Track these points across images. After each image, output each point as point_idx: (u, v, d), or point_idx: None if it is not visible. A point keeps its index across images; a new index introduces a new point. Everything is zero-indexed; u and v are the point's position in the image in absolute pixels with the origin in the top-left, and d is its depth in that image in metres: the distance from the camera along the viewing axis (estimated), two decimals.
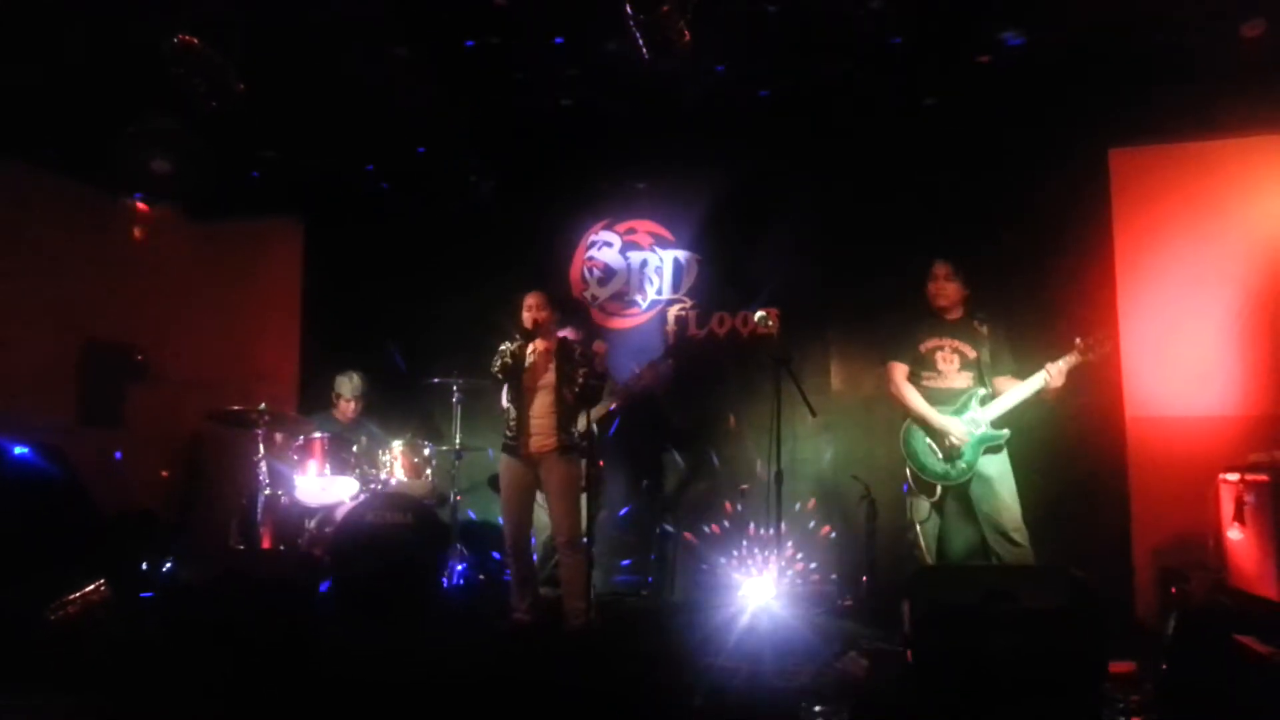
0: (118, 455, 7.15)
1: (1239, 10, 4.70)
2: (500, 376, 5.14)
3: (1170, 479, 5.53)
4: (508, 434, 5.16)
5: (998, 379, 5.04)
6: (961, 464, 4.88)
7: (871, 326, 6.19)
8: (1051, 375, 4.76)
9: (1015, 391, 4.87)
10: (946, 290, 5.05)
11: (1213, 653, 3.41)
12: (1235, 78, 5.16)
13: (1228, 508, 4.78)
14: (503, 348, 5.12)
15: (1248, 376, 5.66)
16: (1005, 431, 4.90)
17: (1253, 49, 4.86)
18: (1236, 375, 5.68)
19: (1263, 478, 4.51)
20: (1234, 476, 4.75)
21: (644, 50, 4.71)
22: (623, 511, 6.55)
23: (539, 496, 5.36)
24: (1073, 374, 4.81)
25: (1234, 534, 4.71)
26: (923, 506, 4.98)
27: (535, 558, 5.63)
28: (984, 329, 5.08)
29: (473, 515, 6.77)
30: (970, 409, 4.93)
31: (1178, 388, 5.74)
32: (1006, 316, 5.27)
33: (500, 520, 6.68)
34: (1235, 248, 5.76)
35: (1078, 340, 4.79)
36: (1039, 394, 4.83)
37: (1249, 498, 4.57)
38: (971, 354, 5.04)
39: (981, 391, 4.98)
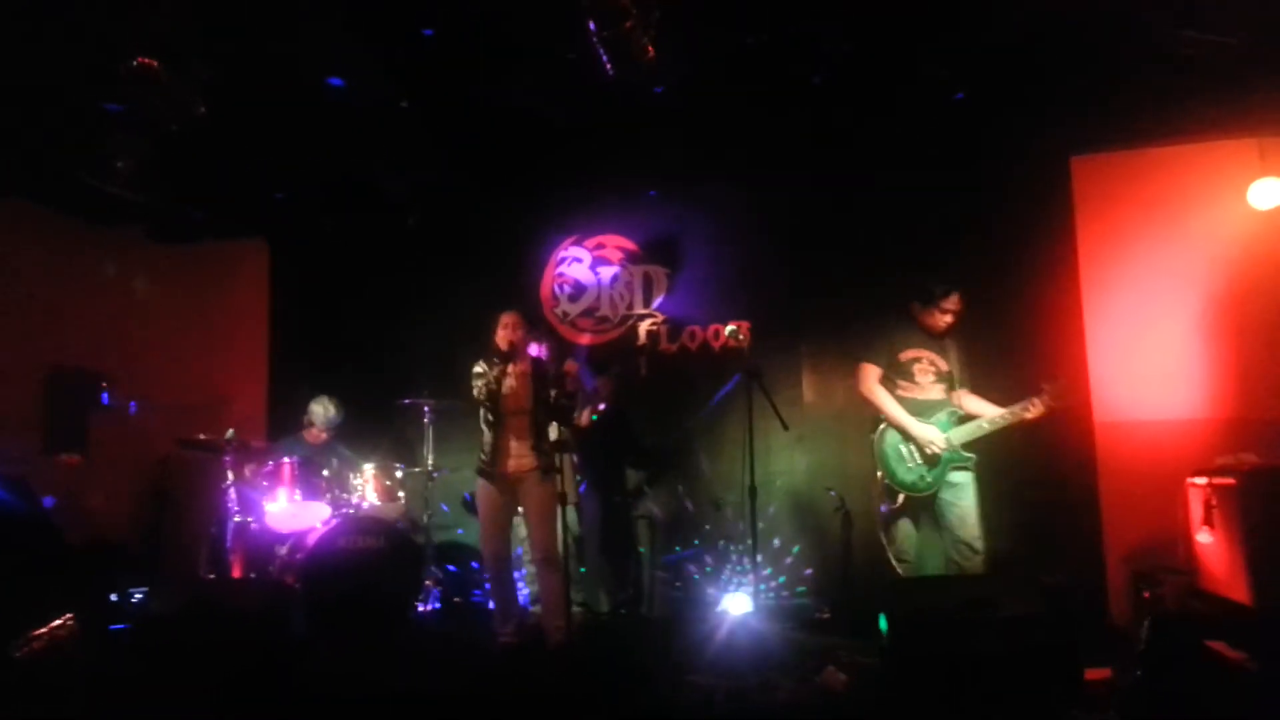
0: (48, 501, 7.00)
1: (1191, 19, 4.76)
2: (483, 401, 5.06)
3: (1140, 483, 5.57)
4: (483, 458, 5.11)
5: (955, 393, 5.05)
6: (931, 476, 4.89)
7: (843, 338, 6.22)
8: (1032, 409, 4.79)
9: (986, 421, 4.89)
10: (949, 321, 5.03)
11: (1185, 659, 3.44)
12: (1194, 84, 5.22)
13: (1196, 511, 4.82)
14: (478, 370, 5.06)
15: (1213, 380, 5.73)
16: (973, 456, 4.90)
17: (1210, 56, 4.92)
18: (1202, 379, 5.75)
19: (1230, 481, 4.55)
20: (1202, 480, 4.79)
21: (608, 65, 4.72)
22: (605, 527, 6.49)
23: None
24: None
25: (1203, 537, 4.74)
26: (903, 525, 4.97)
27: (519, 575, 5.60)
28: (953, 343, 5.09)
29: (447, 537, 6.70)
30: (944, 426, 4.93)
31: (1145, 392, 5.81)
32: (972, 324, 5.25)
33: (475, 541, 6.72)
34: (1198, 251, 5.83)
35: (1044, 385, 4.80)
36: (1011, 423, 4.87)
37: (1217, 501, 4.61)
38: (945, 367, 5.04)
39: (953, 409, 4.97)
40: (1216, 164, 5.84)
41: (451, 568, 6.54)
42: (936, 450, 4.86)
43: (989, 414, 4.93)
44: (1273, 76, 5.09)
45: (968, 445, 4.91)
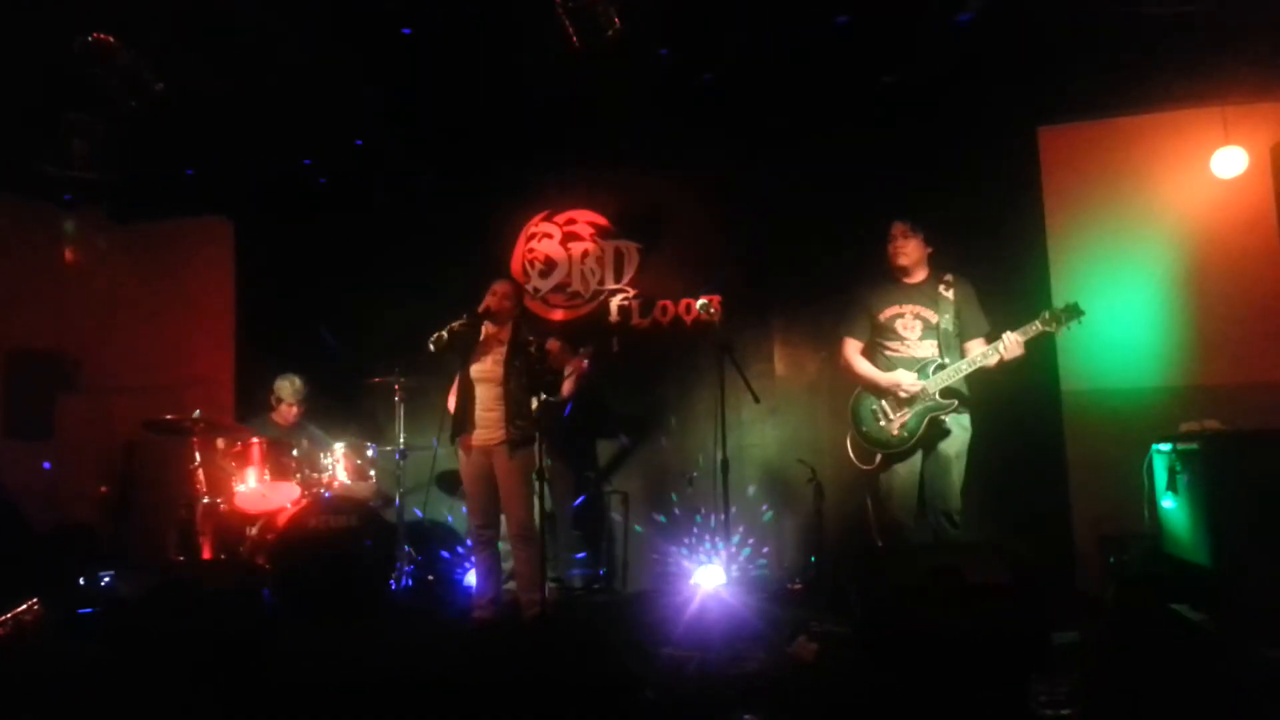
0: (46, 465, 6.96)
1: None
2: (433, 349, 4.92)
3: (1106, 450, 5.62)
4: (456, 427, 5.09)
5: (969, 343, 4.79)
6: (907, 430, 4.72)
7: (814, 312, 6.23)
8: (1007, 346, 4.57)
9: (965, 363, 4.68)
10: (906, 249, 4.84)
11: (1149, 621, 3.50)
12: (1159, 53, 5.25)
13: (1161, 477, 4.89)
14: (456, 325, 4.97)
15: (1178, 347, 5.80)
16: (952, 402, 4.70)
17: (1175, 24, 4.94)
18: (1167, 346, 5.81)
19: (1194, 446, 4.62)
20: (1166, 446, 4.85)
21: (574, 37, 4.66)
22: (578, 502, 6.52)
23: None
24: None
25: (1167, 502, 4.82)
26: (896, 488, 4.81)
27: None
28: (950, 292, 4.81)
29: (419, 514, 6.68)
30: (924, 378, 4.73)
31: (1111, 360, 5.86)
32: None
33: (449, 519, 6.72)
34: (1162, 220, 5.87)
35: (1044, 313, 4.62)
36: (997, 365, 4.63)
37: (1181, 467, 4.67)
38: (933, 319, 4.79)
39: (939, 362, 4.74)
40: (1181, 133, 5.89)
41: (443, 553, 6.53)
42: (906, 393, 4.68)
43: (969, 357, 4.73)
44: (1235, 45, 5.13)
45: (949, 390, 4.71)
